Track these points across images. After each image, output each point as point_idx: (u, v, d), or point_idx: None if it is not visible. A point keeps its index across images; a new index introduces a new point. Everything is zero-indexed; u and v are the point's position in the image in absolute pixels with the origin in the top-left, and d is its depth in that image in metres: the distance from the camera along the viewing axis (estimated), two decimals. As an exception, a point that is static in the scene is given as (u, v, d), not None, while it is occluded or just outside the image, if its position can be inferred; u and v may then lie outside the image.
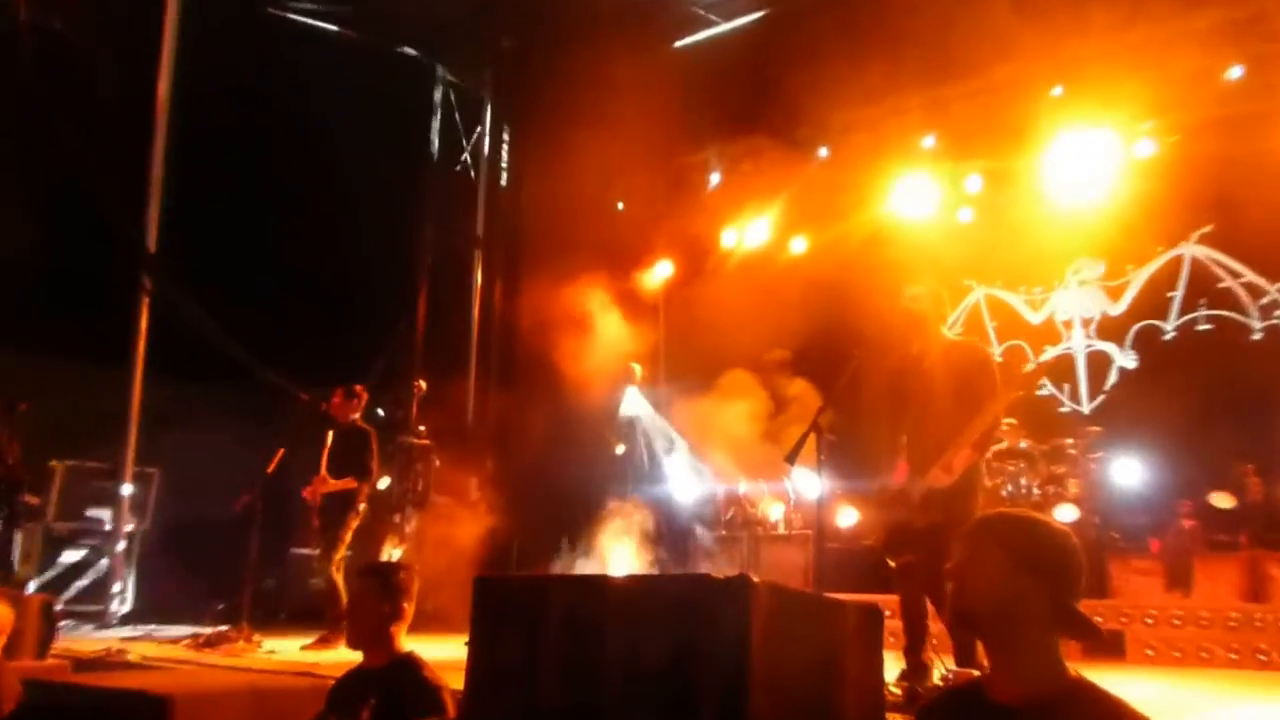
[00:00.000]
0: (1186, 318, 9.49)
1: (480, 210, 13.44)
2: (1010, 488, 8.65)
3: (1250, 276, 9.25)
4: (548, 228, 11.76)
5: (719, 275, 11.52)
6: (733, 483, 10.28)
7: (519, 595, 3.40)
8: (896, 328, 5.15)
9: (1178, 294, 9.54)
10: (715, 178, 12.09)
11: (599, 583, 3.50)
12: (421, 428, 10.87)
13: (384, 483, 10.16)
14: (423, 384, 11.28)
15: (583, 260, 10.10)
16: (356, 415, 7.74)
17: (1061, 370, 10.14)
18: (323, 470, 7.49)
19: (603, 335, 9.89)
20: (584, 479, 9.99)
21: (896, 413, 5.23)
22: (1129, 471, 8.75)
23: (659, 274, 12.11)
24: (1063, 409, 10.05)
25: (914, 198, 10.58)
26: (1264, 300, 9.17)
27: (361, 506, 7.64)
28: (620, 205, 12.45)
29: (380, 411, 10.13)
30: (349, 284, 11.07)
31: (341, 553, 7.48)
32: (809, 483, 9.26)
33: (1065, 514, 8.14)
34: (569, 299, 9.70)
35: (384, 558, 9.04)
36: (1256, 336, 9.13)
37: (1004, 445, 8.96)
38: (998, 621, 2.14)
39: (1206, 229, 9.42)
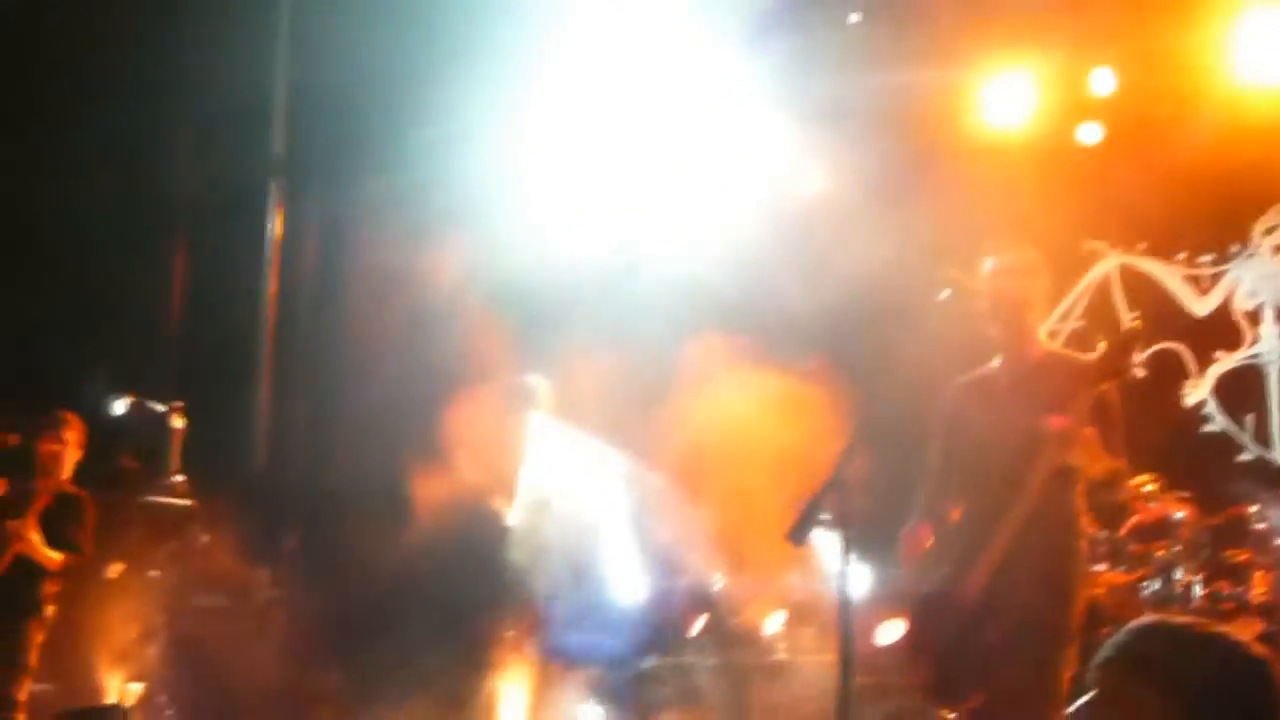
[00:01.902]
0: None
1: (280, 104, 13.25)
2: (1155, 585, 8.75)
3: None
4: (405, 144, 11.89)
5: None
6: (702, 576, 10.29)
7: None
8: (969, 324, 5.22)
9: None
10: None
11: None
12: (179, 478, 10.74)
13: (114, 570, 10.01)
14: (176, 406, 11.12)
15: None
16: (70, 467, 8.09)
17: (1242, 391, 10.31)
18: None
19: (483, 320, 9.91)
20: (457, 566, 9.93)
21: (958, 460, 5.31)
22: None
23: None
24: (1243, 456, 10.22)
25: (1004, 104, 10.70)
26: None
27: (49, 611, 7.70)
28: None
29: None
30: (49, 242, 11.12)
31: (27, 686, 7.43)
32: (829, 574, 9.29)
33: (1246, 629, 8.25)
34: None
35: (105, 697, 8.97)
36: None
37: (1135, 517, 9.03)
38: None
39: None
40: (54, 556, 7.72)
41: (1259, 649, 2.23)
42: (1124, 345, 4.89)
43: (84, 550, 7.92)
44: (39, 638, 7.82)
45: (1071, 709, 5.03)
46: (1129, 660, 2.21)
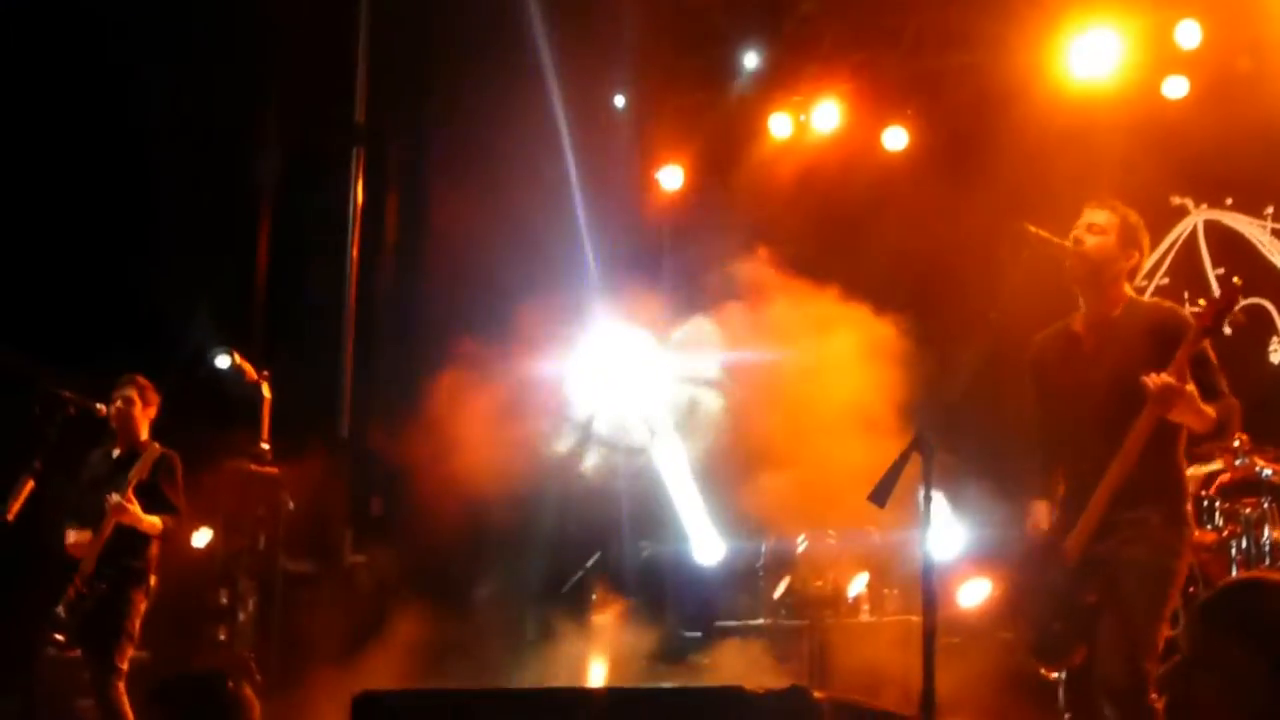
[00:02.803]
0: None
1: (361, 78, 13.34)
2: (1243, 543, 8.67)
3: None
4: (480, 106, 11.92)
5: (755, 182, 11.87)
6: (784, 536, 10.31)
7: (428, 719, 3.43)
8: (1058, 279, 5.18)
9: None
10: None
11: (568, 700, 3.54)
12: (264, 446, 10.86)
13: (202, 537, 10.14)
14: (264, 375, 11.25)
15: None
16: (146, 426, 8.10)
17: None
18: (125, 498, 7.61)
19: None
20: (539, 527, 10.04)
21: (1049, 421, 5.28)
22: None
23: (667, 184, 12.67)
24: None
25: (1090, 59, 10.61)
26: None
27: (153, 579, 7.78)
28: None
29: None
30: (136, 211, 11.17)
31: (128, 653, 7.51)
32: (912, 536, 9.29)
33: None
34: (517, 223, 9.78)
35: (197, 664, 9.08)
36: None
37: (1225, 473, 8.94)
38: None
39: None
40: (155, 522, 7.81)
41: None
42: (1226, 301, 4.86)
43: (180, 509, 7.99)
44: (143, 606, 7.89)
45: (1162, 671, 4.99)
46: (1218, 620, 2.20)
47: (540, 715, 3.40)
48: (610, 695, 3.50)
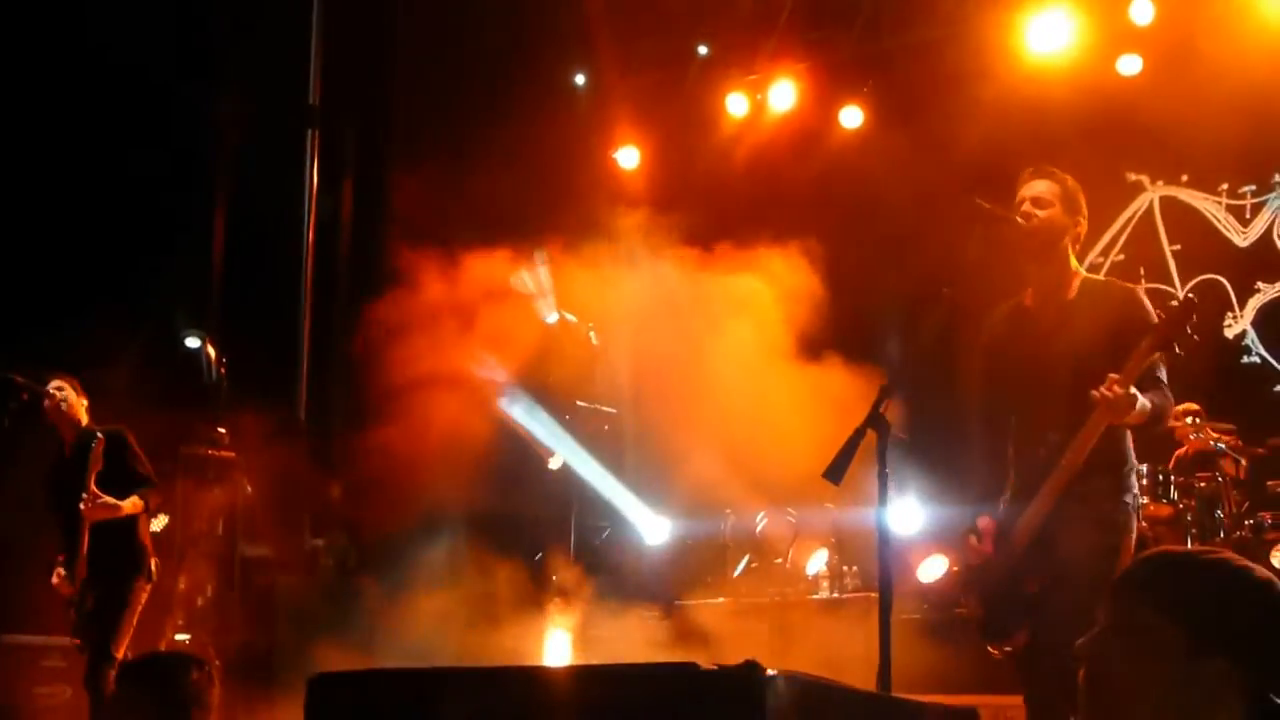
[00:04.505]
0: None
1: (315, 60, 13.28)
2: (1199, 517, 8.76)
3: None
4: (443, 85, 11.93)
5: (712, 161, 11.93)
6: (743, 515, 10.34)
7: (387, 701, 3.41)
8: (1006, 254, 5.17)
9: None
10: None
11: (523, 678, 3.52)
12: (221, 430, 10.84)
13: (159, 522, 10.10)
14: (218, 356, 11.23)
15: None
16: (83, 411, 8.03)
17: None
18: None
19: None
20: (497, 508, 10.05)
21: (1002, 400, 5.28)
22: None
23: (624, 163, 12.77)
24: (1280, 388, 10.21)
25: (1045, 36, 10.64)
26: None
27: (154, 562, 7.78)
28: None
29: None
30: (91, 194, 11.12)
31: (125, 644, 7.57)
32: (868, 514, 9.33)
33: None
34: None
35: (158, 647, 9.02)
36: None
37: (1182, 447, 9.02)
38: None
39: None
40: (135, 501, 7.73)
41: (1263, 572, 2.24)
42: (1184, 313, 4.85)
43: (150, 476, 7.91)
44: (144, 594, 7.79)
45: (1080, 641, 5.05)
46: (1135, 589, 2.23)
47: (496, 693, 3.38)
48: (565, 672, 3.49)
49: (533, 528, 11.09)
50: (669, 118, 12.57)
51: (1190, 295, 5.47)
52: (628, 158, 12.76)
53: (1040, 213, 5.12)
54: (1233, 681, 2.14)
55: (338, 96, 13.34)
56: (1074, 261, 5.25)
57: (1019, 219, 5.12)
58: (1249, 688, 2.14)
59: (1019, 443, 5.20)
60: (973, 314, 5.32)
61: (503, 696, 3.25)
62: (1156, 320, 4.98)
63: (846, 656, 9.07)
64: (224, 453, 10.78)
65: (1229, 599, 2.19)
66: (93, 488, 7.53)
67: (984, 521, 5.18)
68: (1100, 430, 4.84)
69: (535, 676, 3.52)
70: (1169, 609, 2.18)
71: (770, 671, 2.85)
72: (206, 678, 3.78)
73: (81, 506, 7.51)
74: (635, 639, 9.35)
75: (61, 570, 7.69)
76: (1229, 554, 2.28)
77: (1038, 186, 5.17)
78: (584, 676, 3.48)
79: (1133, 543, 5.06)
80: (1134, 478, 5.23)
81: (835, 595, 10.01)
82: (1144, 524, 8.46)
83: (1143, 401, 4.83)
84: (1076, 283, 5.22)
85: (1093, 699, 2.23)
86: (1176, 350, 4.85)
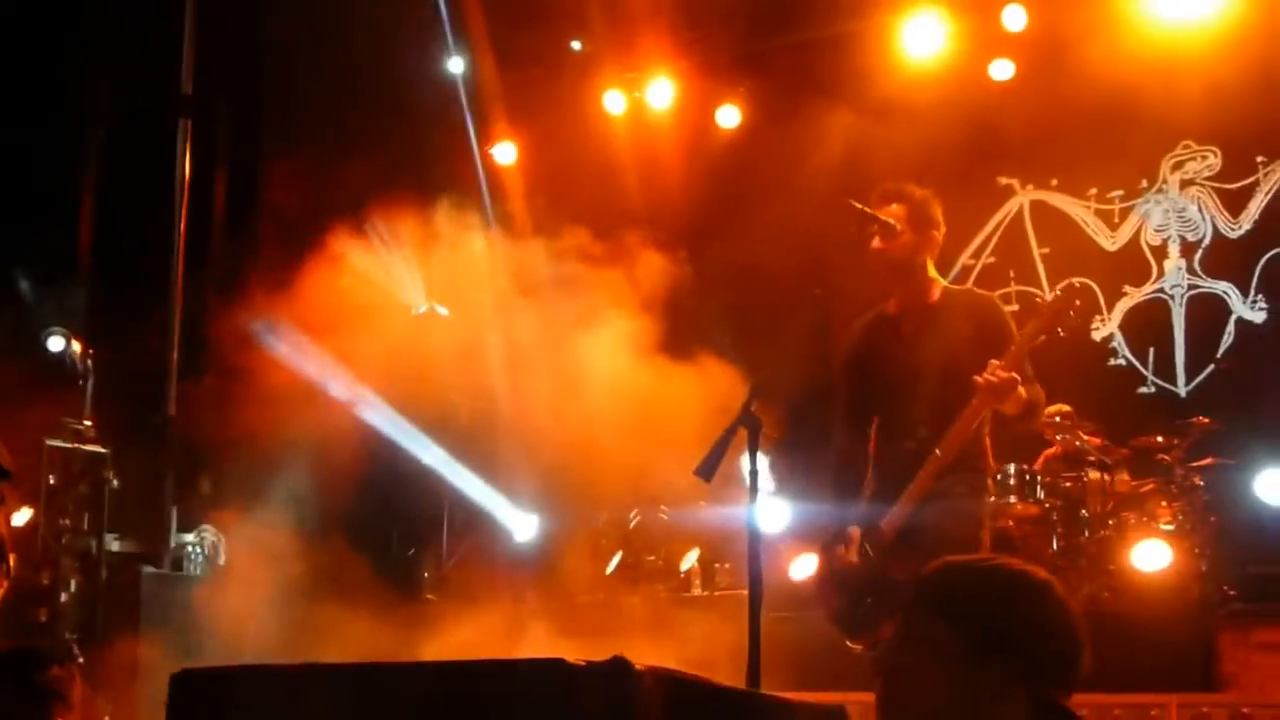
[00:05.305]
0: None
1: (188, 47, 13.08)
2: (1064, 516, 8.87)
3: None
4: (318, 70, 11.85)
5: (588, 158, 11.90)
6: (616, 511, 10.34)
7: (251, 697, 3.38)
8: (867, 266, 5.24)
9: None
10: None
11: (388, 675, 3.50)
12: (88, 423, 10.64)
13: (22, 516, 9.89)
14: (88, 351, 11.00)
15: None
16: None
17: (1149, 325, 10.44)
18: None
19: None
20: (369, 504, 9.99)
21: (861, 402, 5.35)
22: (1258, 489, 8.91)
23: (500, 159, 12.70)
24: (1146, 389, 10.39)
25: (919, 40, 10.76)
26: None
27: (11, 560, 7.60)
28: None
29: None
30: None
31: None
32: (739, 512, 9.36)
33: (1153, 557, 8.35)
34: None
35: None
36: None
37: (1051, 447, 9.16)
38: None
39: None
40: None
41: (1042, 575, 2.35)
42: (1065, 300, 4.96)
43: (9, 468, 7.72)
44: (2, 589, 7.63)
45: (878, 650, 5.19)
46: (925, 598, 2.30)
47: (362, 689, 3.37)
48: (434, 669, 3.47)
49: (403, 525, 11.05)
50: (545, 113, 12.53)
51: (1073, 282, 5.59)
52: (504, 153, 12.69)
53: (890, 242, 5.20)
54: (1013, 681, 2.21)
55: (211, 85, 13.16)
56: (933, 270, 5.35)
57: (871, 251, 5.21)
58: (1029, 687, 2.22)
59: (883, 441, 5.29)
60: (843, 315, 5.38)
61: (369, 693, 3.23)
62: (1012, 324, 5.12)
63: (717, 654, 9.11)
64: (90, 445, 10.58)
65: (1004, 603, 2.29)
66: None
67: (853, 531, 5.24)
68: (979, 418, 4.94)
69: (403, 673, 3.50)
70: (950, 615, 2.27)
71: (638, 667, 2.86)
72: (68, 673, 3.71)
73: None
74: (505, 636, 9.32)
75: None
76: (1008, 560, 2.38)
77: (887, 210, 5.24)
78: (453, 673, 3.46)
79: (988, 534, 5.18)
80: (991, 482, 5.36)
81: (707, 593, 10.04)
82: (1011, 523, 8.66)
83: (1021, 389, 4.93)
84: (937, 290, 5.32)
85: (889, 705, 2.30)
86: (1060, 333, 4.95)
